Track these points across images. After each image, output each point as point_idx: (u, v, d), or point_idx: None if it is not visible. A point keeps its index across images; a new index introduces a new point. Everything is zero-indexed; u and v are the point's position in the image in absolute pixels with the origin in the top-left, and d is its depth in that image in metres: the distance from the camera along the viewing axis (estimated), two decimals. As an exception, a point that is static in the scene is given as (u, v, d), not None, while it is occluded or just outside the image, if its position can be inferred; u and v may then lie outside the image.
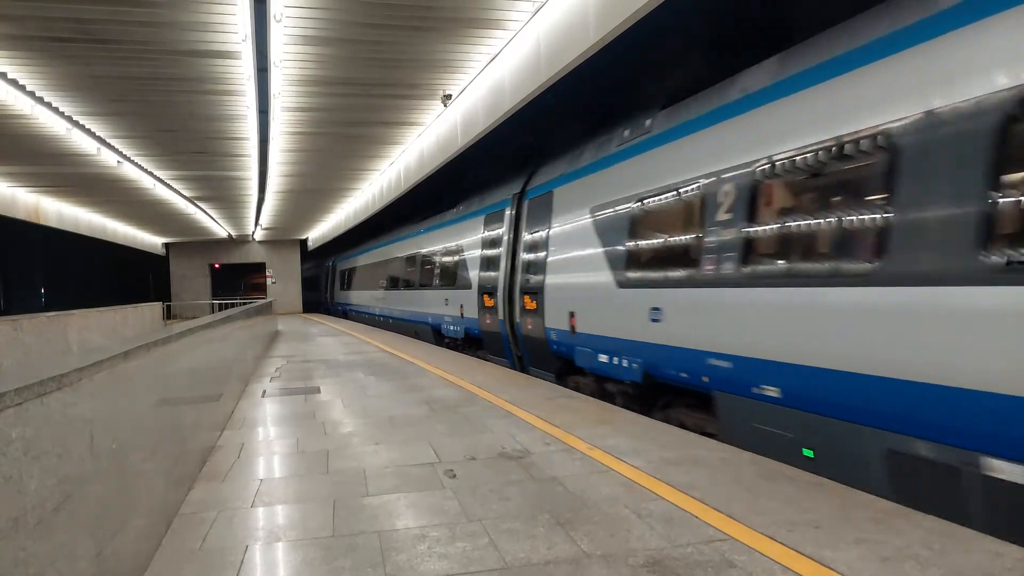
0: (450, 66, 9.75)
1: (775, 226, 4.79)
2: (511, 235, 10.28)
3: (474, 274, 11.88)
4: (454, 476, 4.16)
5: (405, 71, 9.88)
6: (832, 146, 4.28)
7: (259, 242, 34.68)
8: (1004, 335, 3.22)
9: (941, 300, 3.50)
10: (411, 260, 17.13)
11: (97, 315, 16.84)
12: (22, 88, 9.96)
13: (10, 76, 9.48)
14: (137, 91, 10.35)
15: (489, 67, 9.67)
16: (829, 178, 4.40)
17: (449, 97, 10.95)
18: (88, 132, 12.57)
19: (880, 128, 3.96)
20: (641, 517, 3.35)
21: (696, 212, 5.59)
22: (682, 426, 5.97)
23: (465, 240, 12.71)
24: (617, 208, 6.94)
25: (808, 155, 4.47)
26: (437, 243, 14.78)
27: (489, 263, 11.20)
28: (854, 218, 4.11)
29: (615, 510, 3.46)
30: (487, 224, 11.53)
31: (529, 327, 9.23)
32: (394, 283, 19.09)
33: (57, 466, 2.03)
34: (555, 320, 8.32)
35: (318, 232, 32.28)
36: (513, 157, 13.35)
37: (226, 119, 12.08)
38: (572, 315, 7.90)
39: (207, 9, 7.51)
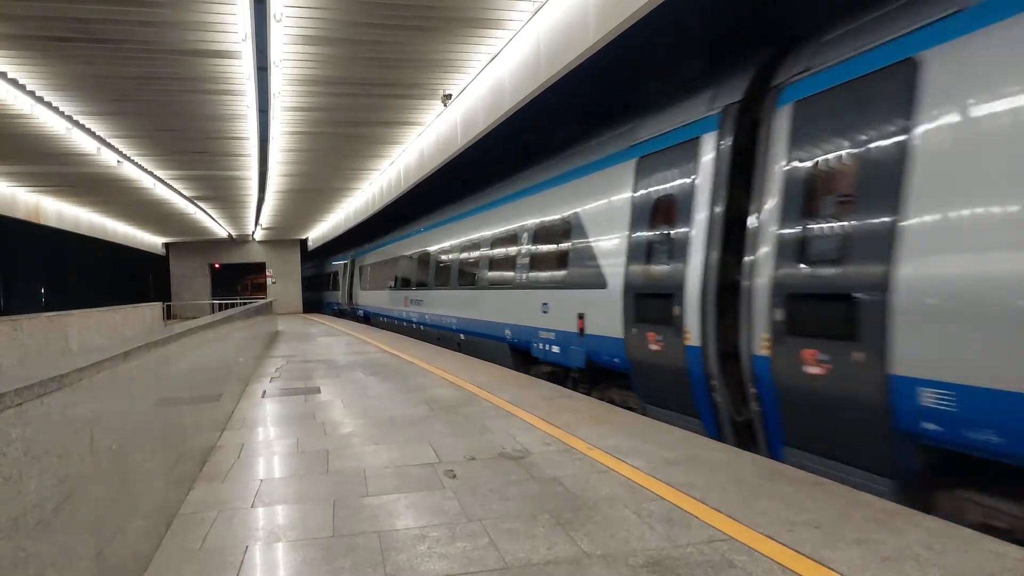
0: (450, 66, 9.74)
1: (370, 281, 23.60)
2: (351, 271, 27.44)
3: (342, 284, 29.37)
4: (454, 476, 4.16)
5: (405, 71, 9.88)
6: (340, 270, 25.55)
7: (259, 242, 34.68)
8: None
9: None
10: (326, 276, 34.87)
11: (97, 315, 16.81)
12: (22, 88, 9.95)
13: (10, 76, 9.47)
14: (137, 91, 10.34)
15: (489, 67, 9.66)
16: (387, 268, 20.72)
17: (449, 97, 10.94)
18: (88, 132, 12.56)
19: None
20: (641, 517, 3.35)
21: (361, 276, 25.83)
22: (366, 322, 25.24)
23: (339, 271, 30.41)
24: (364, 267, 25.39)
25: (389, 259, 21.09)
26: (332, 270, 32.62)
27: (345, 281, 28.49)
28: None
29: (615, 510, 3.46)
30: (346, 265, 28.42)
31: (355, 305, 26.79)
32: (319, 287, 38.30)
33: (57, 466, 2.03)
34: (360, 303, 25.87)
35: (318, 232, 32.27)
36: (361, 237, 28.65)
37: (226, 119, 12.07)
38: (360, 299, 26.36)
39: (207, 9, 7.50)
